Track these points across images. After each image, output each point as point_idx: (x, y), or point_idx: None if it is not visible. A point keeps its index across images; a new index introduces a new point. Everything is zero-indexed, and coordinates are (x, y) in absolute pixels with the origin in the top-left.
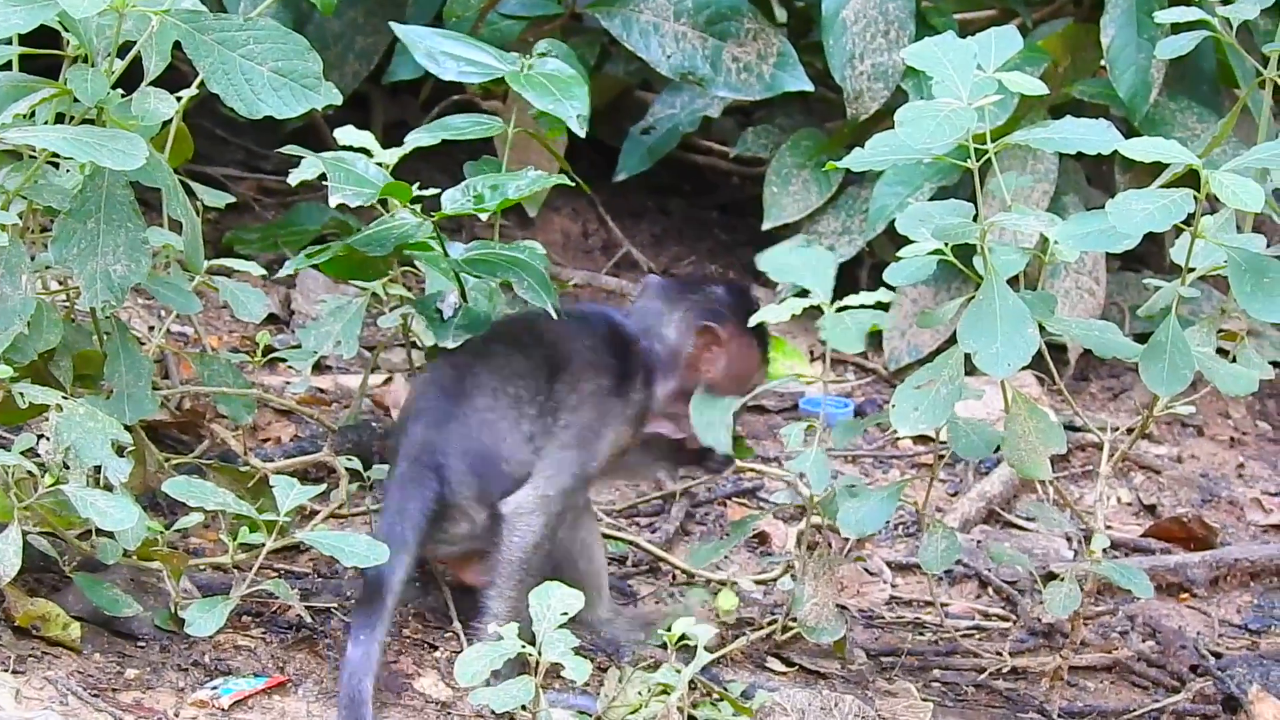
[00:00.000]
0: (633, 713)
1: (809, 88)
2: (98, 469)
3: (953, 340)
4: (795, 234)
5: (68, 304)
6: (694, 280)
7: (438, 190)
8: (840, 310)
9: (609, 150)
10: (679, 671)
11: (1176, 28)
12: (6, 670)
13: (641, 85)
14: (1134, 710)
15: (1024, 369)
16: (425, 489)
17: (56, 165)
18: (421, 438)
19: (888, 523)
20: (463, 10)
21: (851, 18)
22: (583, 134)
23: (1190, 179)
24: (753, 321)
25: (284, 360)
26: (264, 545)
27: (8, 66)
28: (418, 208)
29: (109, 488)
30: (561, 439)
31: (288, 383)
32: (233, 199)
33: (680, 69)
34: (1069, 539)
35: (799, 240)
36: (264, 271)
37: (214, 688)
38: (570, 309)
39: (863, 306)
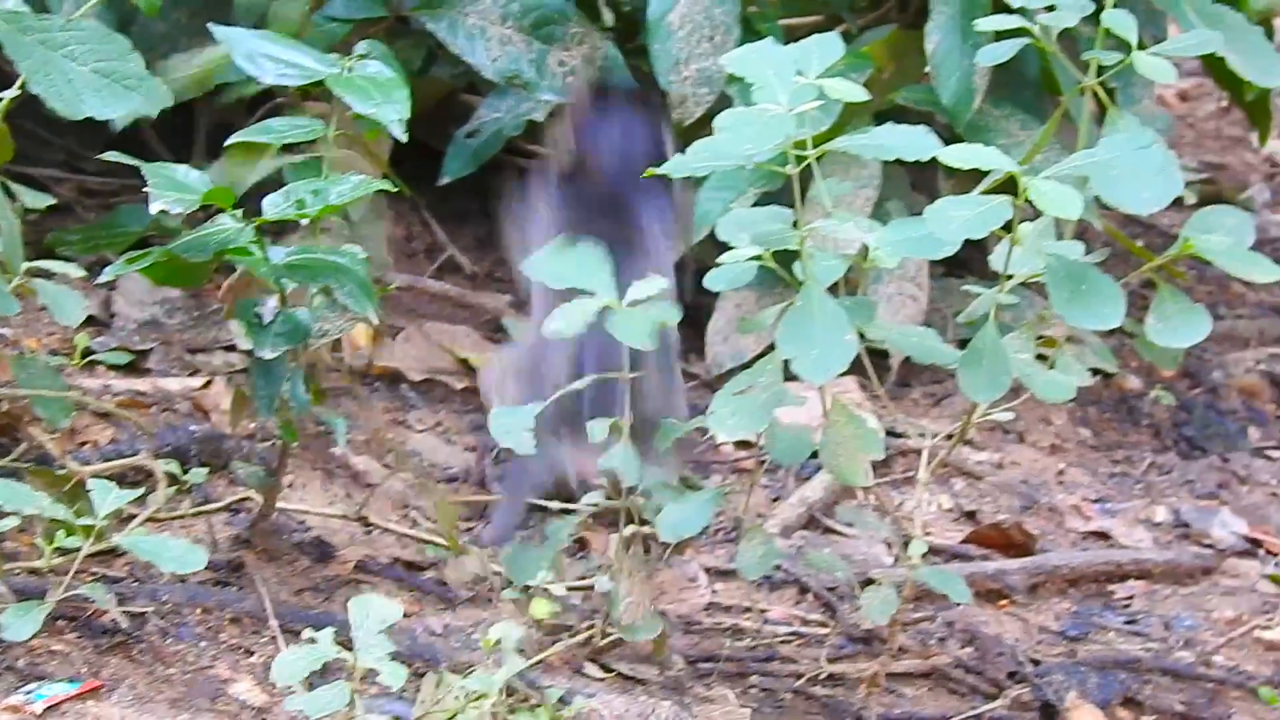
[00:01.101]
0: (449, 719)
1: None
2: None
3: (775, 346)
4: None
5: None
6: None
7: (261, 194)
8: (630, 305)
9: (434, 153)
10: (493, 677)
11: (1000, 35)
12: None
13: (467, 89)
14: (952, 717)
15: (847, 375)
16: None
17: None
18: None
19: (708, 528)
20: (286, 13)
21: (677, 22)
22: (403, 139)
23: (1011, 185)
24: (547, 330)
25: (102, 363)
26: (80, 549)
27: None
28: (239, 213)
29: None
30: None
31: (107, 386)
32: (54, 200)
33: (505, 73)
34: (889, 545)
35: (561, 240)
36: (84, 273)
37: (28, 693)
38: None
39: (651, 299)
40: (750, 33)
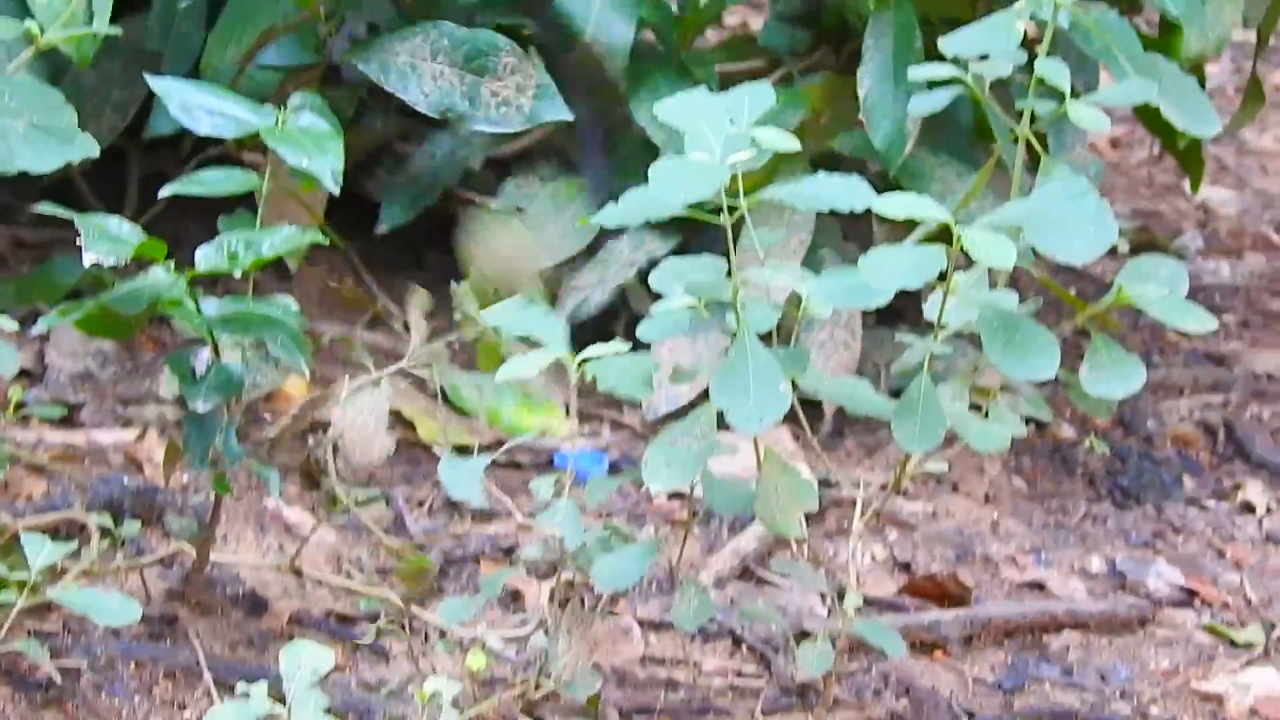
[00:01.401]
0: None
1: (569, 116)
2: None
3: (707, 395)
4: (554, 285)
5: None
6: None
7: (195, 245)
8: (585, 361)
9: (368, 203)
10: None
11: (933, 83)
12: None
13: (401, 137)
14: None
15: (780, 425)
16: None
17: None
18: None
19: (641, 579)
20: (219, 62)
21: None
22: (337, 191)
23: (946, 234)
24: (500, 378)
25: (35, 416)
26: (14, 604)
27: None
28: (172, 264)
29: None
30: None
31: (40, 439)
32: None
33: (439, 107)
34: (823, 596)
35: (521, 299)
36: (17, 326)
37: None
38: None
39: (616, 355)
40: (686, 77)
